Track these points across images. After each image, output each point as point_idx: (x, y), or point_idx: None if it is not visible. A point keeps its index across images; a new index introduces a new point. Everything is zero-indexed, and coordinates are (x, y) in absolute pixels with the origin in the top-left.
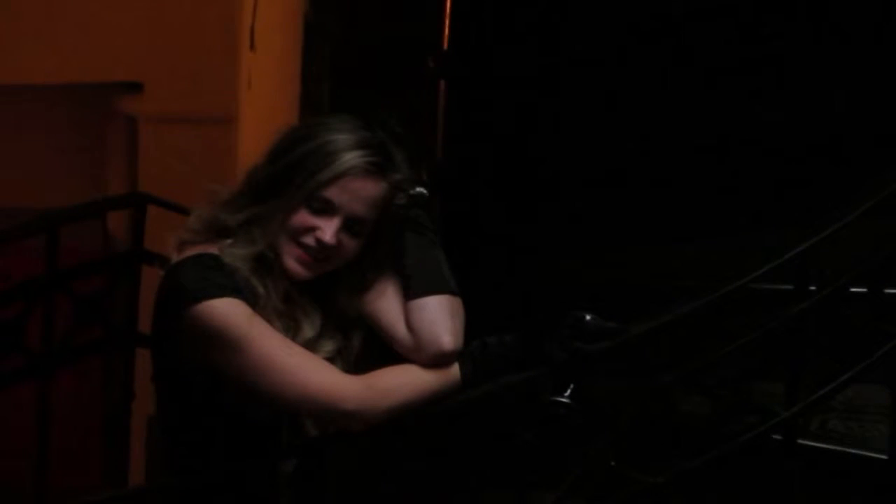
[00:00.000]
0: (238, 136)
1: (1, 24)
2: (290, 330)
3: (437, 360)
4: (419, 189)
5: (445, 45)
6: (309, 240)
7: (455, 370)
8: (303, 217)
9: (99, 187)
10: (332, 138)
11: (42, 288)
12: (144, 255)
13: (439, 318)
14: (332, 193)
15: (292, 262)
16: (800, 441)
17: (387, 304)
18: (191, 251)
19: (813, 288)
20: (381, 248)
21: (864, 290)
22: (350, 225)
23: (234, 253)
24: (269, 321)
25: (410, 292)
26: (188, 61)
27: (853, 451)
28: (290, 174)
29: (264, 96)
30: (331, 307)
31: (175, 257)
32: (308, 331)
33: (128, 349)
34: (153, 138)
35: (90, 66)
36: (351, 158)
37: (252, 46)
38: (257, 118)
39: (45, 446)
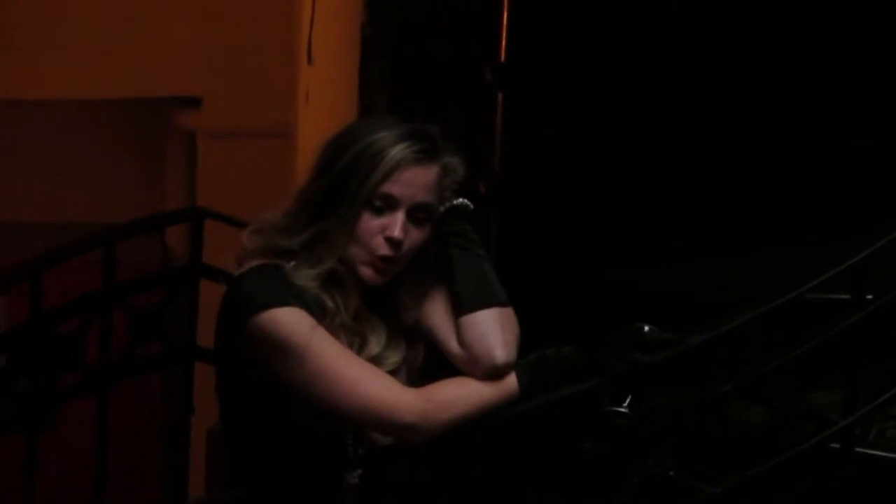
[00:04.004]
0: (296, 150)
1: (61, 39)
2: (356, 346)
3: (492, 374)
4: (462, 200)
5: (503, 58)
6: (379, 241)
7: (513, 382)
8: (368, 221)
9: (157, 202)
10: (375, 137)
11: (100, 303)
12: (203, 269)
13: (490, 331)
14: (390, 188)
15: (366, 269)
16: (857, 449)
17: (440, 319)
18: (253, 263)
19: (870, 297)
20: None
21: None
22: (413, 213)
23: (302, 274)
24: (334, 336)
25: (460, 309)
26: (246, 76)
27: None
28: (343, 183)
29: (322, 110)
30: (394, 318)
31: (237, 271)
32: (374, 347)
33: (187, 363)
34: (211, 153)
35: (149, 81)
36: (398, 151)
37: (310, 61)
38: (315, 132)
39: (105, 461)
